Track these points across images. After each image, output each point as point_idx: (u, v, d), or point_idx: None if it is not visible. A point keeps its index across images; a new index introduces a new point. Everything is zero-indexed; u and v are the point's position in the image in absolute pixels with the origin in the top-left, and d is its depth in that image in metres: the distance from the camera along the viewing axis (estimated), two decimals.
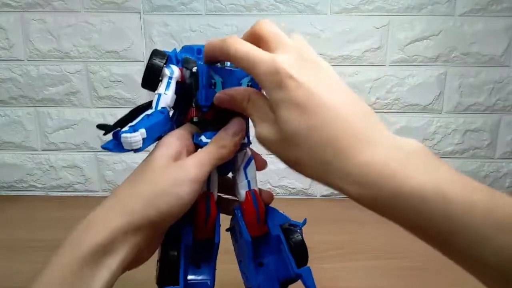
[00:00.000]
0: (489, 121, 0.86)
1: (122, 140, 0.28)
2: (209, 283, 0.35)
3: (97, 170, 0.89)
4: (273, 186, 0.89)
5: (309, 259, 0.61)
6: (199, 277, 0.35)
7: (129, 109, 0.36)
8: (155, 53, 0.35)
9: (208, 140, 0.33)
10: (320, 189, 0.90)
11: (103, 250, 0.27)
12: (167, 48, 0.88)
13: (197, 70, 0.33)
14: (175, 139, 0.32)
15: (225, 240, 0.38)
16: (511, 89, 0.85)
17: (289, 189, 0.90)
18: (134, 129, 0.29)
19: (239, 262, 0.37)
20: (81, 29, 0.82)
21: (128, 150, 0.29)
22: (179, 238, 0.33)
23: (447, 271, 0.58)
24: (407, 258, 0.60)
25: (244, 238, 0.34)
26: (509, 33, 0.82)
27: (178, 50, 0.37)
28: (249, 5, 0.81)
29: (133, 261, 0.29)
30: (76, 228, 0.28)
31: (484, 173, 0.89)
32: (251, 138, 0.36)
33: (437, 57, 0.83)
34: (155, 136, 0.32)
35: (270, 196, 0.38)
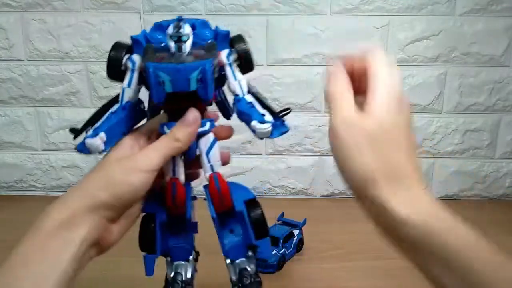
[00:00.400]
0: (489, 121, 0.86)
1: (86, 145, 0.34)
2: (188, 246, 0.41)
3: None
4: (273, 186, 0.89)
5: (310, 258, 0.61)
6: (180, 243, 0.41)
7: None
8: (114, 46, 0.37)
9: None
10: (320, 189, 0.90)
11: (65, 226, 0.31)
12: None
13: (146, 68, 0.33)
14: (128, 140, 0.36)
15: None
16: (511, 89, 0.85)
17: (289, 189, 0.90)
18: (95, 133, 0.34)
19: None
20: (81, 29, 0.82)
21: (95, 152, 0.34)
22: (154, 216, 0.38)
23: None
24: None
25: (211, 215, 0.39)
26: (509, 33, 0.82)
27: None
28: (249, 5, 0.81)
29: (100, 243, 0.33)
30: (44, 210, 0.32)
31: (484, 173, 0.89)
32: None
33: (437, 57, 0.83)
34: (118, 134, 0.36)
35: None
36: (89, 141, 0.34)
